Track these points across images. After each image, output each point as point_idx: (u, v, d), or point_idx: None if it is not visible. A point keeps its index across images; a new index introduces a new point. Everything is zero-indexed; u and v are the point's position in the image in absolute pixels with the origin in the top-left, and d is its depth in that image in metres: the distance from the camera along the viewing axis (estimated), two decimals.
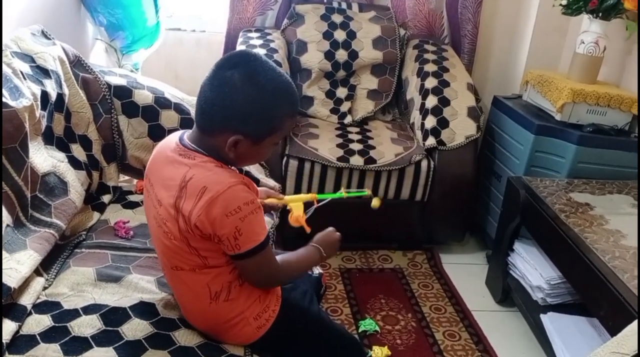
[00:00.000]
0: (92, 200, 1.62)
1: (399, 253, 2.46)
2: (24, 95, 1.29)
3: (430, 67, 2.51)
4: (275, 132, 1.11)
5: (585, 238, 1.67)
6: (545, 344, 1.83)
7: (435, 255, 2.47)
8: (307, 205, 1.39)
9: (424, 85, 2.46)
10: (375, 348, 1.85)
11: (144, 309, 1.20)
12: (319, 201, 1.42)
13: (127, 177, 1.85)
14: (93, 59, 2.54)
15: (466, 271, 2.40)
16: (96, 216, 1.58)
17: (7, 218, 1.23)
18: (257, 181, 1.84)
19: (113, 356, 1.07)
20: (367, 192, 1.55)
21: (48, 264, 1.33)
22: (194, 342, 1.14)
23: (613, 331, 1.45)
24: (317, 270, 1.48)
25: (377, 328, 1.96)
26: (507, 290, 2.12)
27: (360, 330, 1.95)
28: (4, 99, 1.24)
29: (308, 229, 1.31)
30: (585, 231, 1.71)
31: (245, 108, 1.05)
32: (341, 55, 2.59)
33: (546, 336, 1.83)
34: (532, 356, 1.89)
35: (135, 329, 1.14)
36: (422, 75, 2.51)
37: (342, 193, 1.48)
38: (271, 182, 1.89)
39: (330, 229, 1.33)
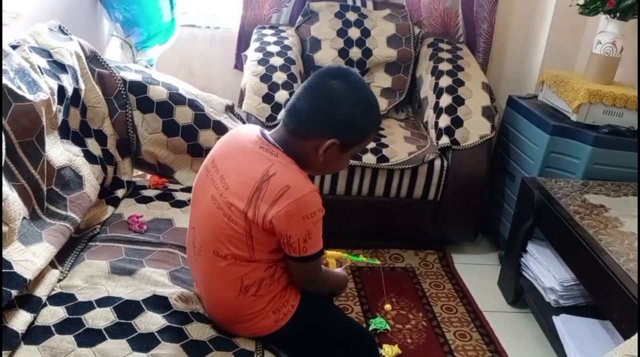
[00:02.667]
0: (107, 194, 1.64)
1: (411, 252, 2.45)
2: (42, 89, 1.30)
3: (444, 66, 2.49)
4: (362, 142, 1.20)
5: (600, 240, 1.65)
6: (557, 346, 1.82)
7: (447, 255, 2.46)
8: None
9: (438, 84, 2.45)
10: (386, 346, 1.84)
11: (157, 302, 1.21)
12: (351, 260, 1.65)
13: (140, 172, 1.87)
14: (108, 54, 2.56)
15: (478, 272, 2.38)
16: (110, 209, 1.60)
17: (23, 210, 1.24)
18: None
19: (126, 347, 1.08)
20: (378, 262, 1.81)
21: (63, 257, 1.35)
22: (206, 336, 1.15)
23: (626, 333, 1.43)
24: None
25: (388, 327, 1.96)
26: (519, 291, 2.11)
27: (370, 328, 1.94)
28: (22, 93, 1.25)
29: None
30: (600, 233, 1.70)
31: (350, 115, 1.13)
32: (355, 53, 2.58)
33: (558, 338, 1.82)
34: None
35: (149, 322, 1.15)
36: (437, 73, 2.49)
37: (377, 260, 1.77)
38: None
39: (344, 274, 1.44)
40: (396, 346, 1.85)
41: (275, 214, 1.08)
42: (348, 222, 2.37)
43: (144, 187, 1.77)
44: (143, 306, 1.19)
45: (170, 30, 2.54)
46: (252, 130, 1.20)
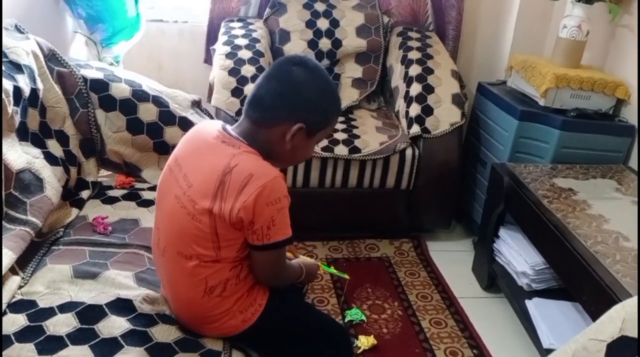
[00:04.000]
0: (71, 196, 1.61)
1: (386, 242, 2.46)
2: None
3: (414, 55, 2.49)
4: (327, 127, 1.20)
5: (568, 223, 1.67)
6: (530, 329, 1.83)
7: (422, 243, 2.47)
8: None
9: (408, 72, 2.45)
10: (362, 337, 1.85)
11: (121, 306, 1.19)
12: (324, 272, 1.63)
13: (108, 172, 1.83)
14: (73, 52, 2.51)
15: (453, 258, 2.40)
16: (74, 212, 1.56)
17: None
18: None
19: (88, 354, 1.06)
20: (347, 277, 1.71)
21: (24, 262, 1.32)
22: (172, 338, 1.14)
23: (595, 316, 1.44)
24: None
25: (364, 317, 1.96)
26: (492, 276, 2.13)
27: (346, 320, 1.94)
28: None
29: None
30: (568, 216, 1.71)
31: (313, 98, 1.14)
32: (324, 44, 2.56)
33: (531, 322, 1.84)
34: (517, 342, 1.90)
35: (112, 326, 1.13)
36: (406, 62, 2.49)
37: (346, 275, 1.67)
38: None
39: (316, 264, 1.41)
40: (372, 336, 1.86)
41: (242, 205, 1.06)
42: (322, 214, 2.37)
43: (110, 188, 1.74)
44: (106, 310, 1.17)
45: (135, 26, 2.49)
46: (214, 126, 1.18)
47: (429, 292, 2.16)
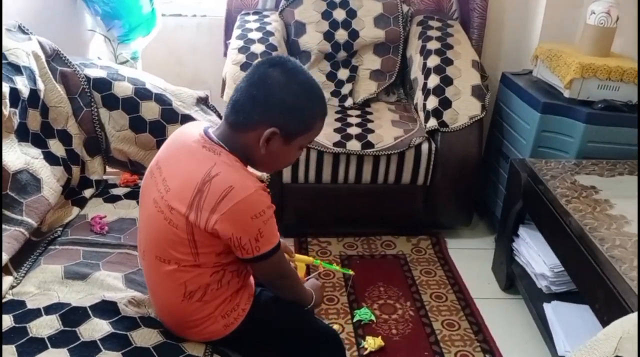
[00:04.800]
0: (74, 194, 1.62)
1: (403, 239, 2.39)
2: None
3: (433, 45, 2.39)
4: (307, 132, 1.13)
5: (585, 225, 1.56)
6: (547, 335, 1.74)
7: (440, 240, 2.39)
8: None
9: (426, 64, 2.36)
10: (369, 338, 1.80)
11: (105, 308, 1.19)
12: (324, 268, 1.55)
13: (114, 170, 1.85)
14: (92, 50, 2.54)
15: (473, 256, 2.31)
16: (75, 211, 1.58)
17: None
18: None
19: None
20: (352, 273, 1.70)
21: (19, 262, 1.34)
22: (151, 343, 1.12)
23: (607, 325, 1.36)
24: None
25: (373, 317, 1.92)
26: (511, 277, 2.04)
27: (355, 319, 1.90)
28: None
29: None
30: (586, 216, 1.61)
31: (286, 101, 1.08)
32: (341, 35, 2.50)
33: (548, 327, 1.75)
34: (533, 347, 1.81)
35: (93, 329, 1.13)
36: (425, 53, 2.40)
37: (350, 271, 1.68)
38: (258, 172, 1.84)
39: (319, 284, 1.39)
40: (379, 337, 1.81)
41: (219, 218, 1.03)
42: (336, 211, 2.33)
43: (115, 186, 1.75)
44: (90, 312, 1.17)
45: (151, 22, 2.50)
46: (196, 129, 1.15)
47: (444, 292, 2.08)
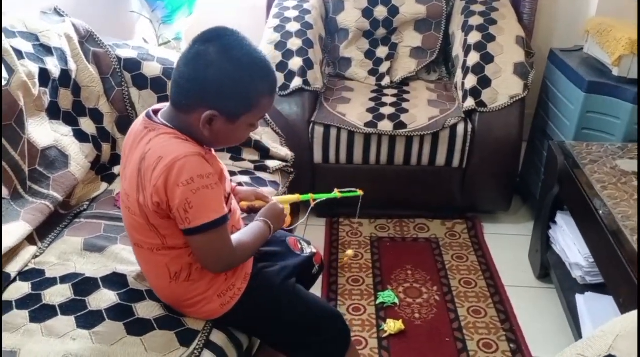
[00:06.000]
0: (104, 170, 1.70)
1: (437, 222, 2.33)
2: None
3: (475, 20, 2.29)
4: (251, 111, 1.08)
5: (618, 213, 1.46)
6: (576, 327, 1.66)
7: (476, 225, 2.32)
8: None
9: (467, 40, 2.26)
10: (390, 321, 1.79)
11: (115, 280, 1.24)
12: (314, 200, 1.42)
13: None
14: (139, 32, 2.62)
15: (511, 242, 2.23)
16: (104, 186, 1.65)
17: (3, 191, 1.32)
18: (267, 150, 1.82)
19: (72, 324, 1.12)
20: (360, 192, 1.49)
21: (45, 234, 1.42)
22: (153, 315, 1.17)
23: None
24: (308, 249, 1.42)
25: (396, 301, 1.89)
26: (546, 265, 1.95)
27: (378, 302, 1.89)
28: None
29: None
30: (621, 204, 1.50)
31: (220, 82, 1.03)
32: (380, 12, 2.44)
33: (578, 319, 1.66)
34: (561, 339, 1.72)
35: (101, 299, 1.19)
36: (467, 29, 2.30)
37: (336, 193, 1.45)
38: (283, 151, 1.86)
39: (274, 201, 1.31)
40: (400, 321, 1.79)
41: (152, 190, 1.01)
42: (367, 192, 2.29)
43: None
44: (100, 283, 1.23)
45: (192, 2, 2.55)
46: (143, 113, 1.14)
47: (474, 278, 2.03)
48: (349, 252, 1.70)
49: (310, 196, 1.41)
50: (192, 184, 1.01)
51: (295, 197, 1.41)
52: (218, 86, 1.03)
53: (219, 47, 1.02)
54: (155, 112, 1.12)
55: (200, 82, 1.03)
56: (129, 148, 1.12)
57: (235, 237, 1.14)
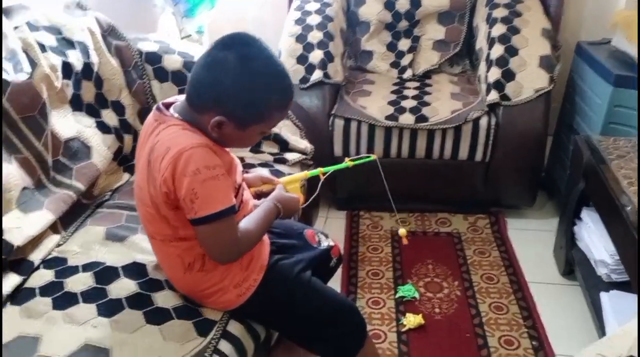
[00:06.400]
0: (126, 162, 1.72)
1: (460, 217, 2.31)
2: (23, 70, 1.38)
3: (499, 12, 2.25)
4: (262, 122, 1.09)
5: None
6: (599, 325, 1.63)
7: (500, 220, 2.28)
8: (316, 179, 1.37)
9: (491, 33, 2.23)
10: (409, 315, 1.78)
11: (134, 270, 1.26)
12: (324, 174, 1.38)
13: None
14: (161, 26, 2.64)
15: (535, 238, 2.19)
16: (126, 176, 1.68)
17: (24, 181, 1.35)
18: (286, 143, 1.82)
19: (93, 312, 1.14)
20: (373, 157, 1.46)
21: (68, 223, 1.44)
22: (171, 304, 1.18)
23: None
24: (325, 242, 1.41)
25: (417, 295, 1.88)
26: (570, 262, 1.91)
27: (397, 296, 1.88)
28: (4, 75, 1.33)
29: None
30: None
31: (235, 91, 1.03)
32: (402, 4, 2.42)
33: (602, 317, 1.62)
34: (584, 337, 1.69)
35: (121, 287, 1.20)
36: (491, 21, 2.26)
37: (347, 163, 1.42)
38: (302, 144, 1.85)
39: (281, 183, 1.31)
40: (420, 315, 1.78)
41: (161, 180, 1.02)
42: (394, 185, 2.26)
43: None
44: (120, 272, 1.25)
45: None
46: (155, 106, 1.14)
47: (496, 273, 2.00)
48: (402, 230, 1.52)
49: (319, 171, 1.37)
50: (198, 175, 1.01)
51: (303, 174, 1.38)
52: (232, 95, 1.03)
53: (238, 56, 1.02)
54: (166, 105, 1.13)
55: (215, 88, 1.04)
56: (142, 141, 1.14)
57: (240, 226, 1.12)
